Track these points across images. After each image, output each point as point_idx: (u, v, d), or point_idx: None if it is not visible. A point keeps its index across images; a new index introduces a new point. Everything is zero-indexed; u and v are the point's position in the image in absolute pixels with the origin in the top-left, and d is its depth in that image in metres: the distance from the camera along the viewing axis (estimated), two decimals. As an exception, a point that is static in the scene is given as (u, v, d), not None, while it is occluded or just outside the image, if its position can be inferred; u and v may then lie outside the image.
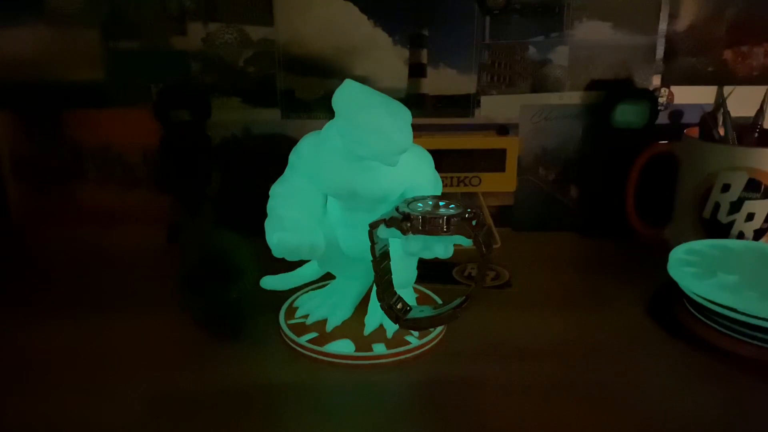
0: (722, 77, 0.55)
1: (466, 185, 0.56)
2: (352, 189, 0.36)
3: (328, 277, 0.44)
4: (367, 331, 0.39)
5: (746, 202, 0.47)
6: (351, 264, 0.41)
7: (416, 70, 0.55)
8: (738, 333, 0.39)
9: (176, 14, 0.53)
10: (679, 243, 0.46)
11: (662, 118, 0.57)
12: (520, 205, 0.59)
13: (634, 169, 0.53)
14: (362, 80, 0.34)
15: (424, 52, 0.55)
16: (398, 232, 0.32)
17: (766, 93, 0.50)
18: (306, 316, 0.41)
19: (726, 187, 0.47)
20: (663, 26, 0.55)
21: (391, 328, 0.39)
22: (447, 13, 0.54)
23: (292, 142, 0.38)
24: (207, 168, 0.57)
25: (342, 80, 0.34)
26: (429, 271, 0.44)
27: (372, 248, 0.34)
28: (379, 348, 0.38)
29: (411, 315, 0.36)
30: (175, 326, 0.42)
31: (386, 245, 0.35)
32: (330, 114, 0.34)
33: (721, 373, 0.37)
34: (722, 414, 0.34)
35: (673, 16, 0.54)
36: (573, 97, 0.56)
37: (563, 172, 0.58)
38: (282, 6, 0.53)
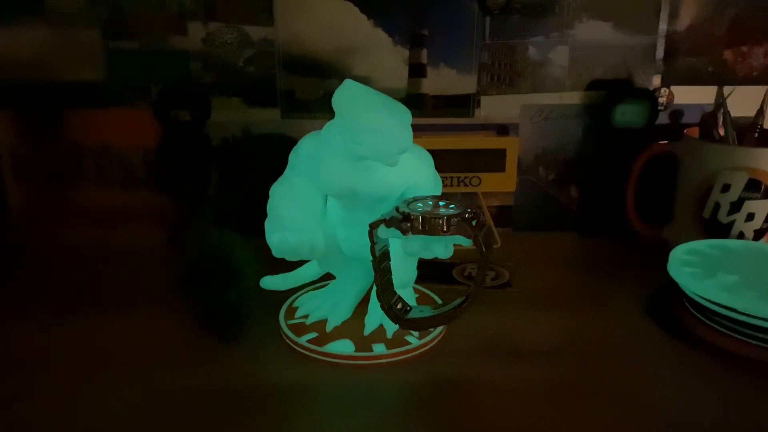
0: (722, 77, 0.55)
1: (466, 185, 0.56)
2: (352, 189, 0.36)
3: (328, 277, 0.44)
4: (367, 331, 0.39)
5: (746, 202, 0.47)
6: (351, 264, 0.41)
7: (416, 70, 0.55)
8: (738, 333, 0.39)
9: (176, 14, 0.53)
10: (679, 243, 0.46)
11: (662, 118, 0.57)
12: (520, 205, 0.59)
13: (634, 169, 0.53)
14: (362, 80, 0.34)
15: (424, 52, 0.55)
16: (398, 232, 0.32)
17: (766, 93, 0.50)
18: (306, 317, 0.41)
19: (726, 187, 0.47)
20: (663, 26, 0.55)
21: (391, 328, 0.39)
22: (447, 13, 0.54)
23: (292, 142, 0.38)
24: (207, 168, 0.57)
25: (342, 80, 0.34)
26: (429, 271, 0.44)
27: (372, 248, 0.34)
28: (379, 348, 0.38)
29: (411, 315, 0.36)
30: (174, 326, 0.42)
31: (386, 245, 0.35)
32: (330, 114, 0.34)
33: (721, 373, 0.37)
34: (722, 414, 0.34)
35: (673, 16, 0.54)
36: (573, 97, 0.56)
37: (563, 172, 0.58)
38: (282, 6, 0.53)
